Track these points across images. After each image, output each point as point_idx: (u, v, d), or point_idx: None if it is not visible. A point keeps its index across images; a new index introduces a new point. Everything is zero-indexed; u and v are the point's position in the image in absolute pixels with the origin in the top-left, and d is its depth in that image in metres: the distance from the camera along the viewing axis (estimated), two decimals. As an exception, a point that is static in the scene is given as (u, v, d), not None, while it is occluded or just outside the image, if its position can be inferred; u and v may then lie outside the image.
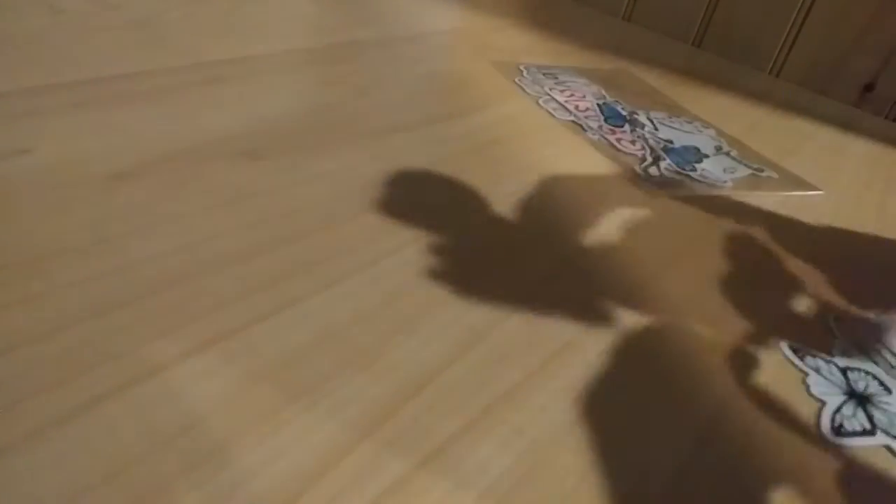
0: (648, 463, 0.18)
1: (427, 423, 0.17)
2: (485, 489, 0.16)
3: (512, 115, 0.37)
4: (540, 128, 0.36)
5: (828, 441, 0.20)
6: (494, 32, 0.50)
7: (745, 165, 0.37)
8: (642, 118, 0.40)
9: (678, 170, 0.35)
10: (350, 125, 0.31)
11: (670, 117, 0.41)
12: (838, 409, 0.21)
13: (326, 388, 0.17)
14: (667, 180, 0.33)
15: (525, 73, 0.43)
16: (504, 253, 0.24)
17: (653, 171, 0.34)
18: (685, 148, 0.37)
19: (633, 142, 0.37)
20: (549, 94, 0.40)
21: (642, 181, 0.33)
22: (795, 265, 0.28)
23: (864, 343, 0.24)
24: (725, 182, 0.35)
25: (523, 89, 0.41)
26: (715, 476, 0.18)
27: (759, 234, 0.31)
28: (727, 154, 0.38)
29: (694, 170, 0.35)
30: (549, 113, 0.38)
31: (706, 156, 0.37)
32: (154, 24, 0.36)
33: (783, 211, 0.30)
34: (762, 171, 0.37)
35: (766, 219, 0.32)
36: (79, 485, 0.14)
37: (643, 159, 0.35)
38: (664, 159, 0.36)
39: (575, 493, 0.16)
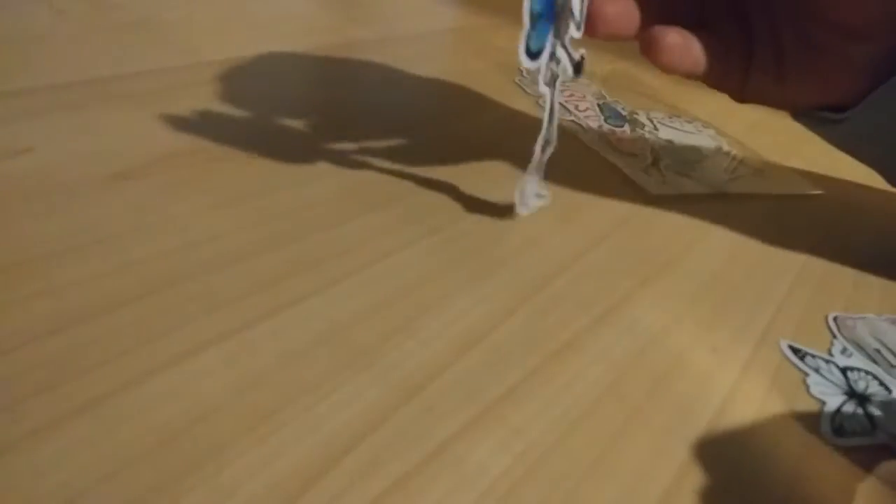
0: (648, 463, 0.18)
1: (427, 423, 0.17)
2: (485, 489, 0.16)
3: (512, 115, 0.37)
4: (540, 128, 0.36)
5: (828, 441, 0.20)
6: (495, 32, 0.50)
7: (745, 165, 0.37)
8: (642, 118, 0.40)
9: (678, 170, 0.35)
10: (350, 125, 0.31)
11: (670, 117, 0.41)
12: (838, 409, 0.21)
13: (326, 388, 0.17)
14: (667, 180, 0.33)
15: (525, 72, 0.43)
16: (503, 253, 0.24)
17: (652, 171, 0.34)
18: (685, 148, 0.38)
19: (633, 142, 0.37)
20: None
21: (642, 181, 0.33)
22: (795, 265, 0.28)
23: (864, 343, 0.24)
24: (725, 182, 0.35)
25: (523, 89, 0.41)
26: (715, 476, 0.18)
27: (758, 234, 0.31)
28: (727, 154, 0.38)
29: (694, 170, 0.35)
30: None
31: (706, 156, 0.37)
32: (154, 24, 0.36)
33: (783, 211, 0.30)
34: (762, 171, 0.37)
35: (766, 219, 0.32)
36: (79, 485, 0.14)
37: (643, 159, 0.35)
38: (664, 159, 0.36)
39: (575, 494, 0.16)
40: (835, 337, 0.25)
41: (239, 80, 0.32)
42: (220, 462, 0.15)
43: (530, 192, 0.25)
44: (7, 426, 0.14)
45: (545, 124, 0.24)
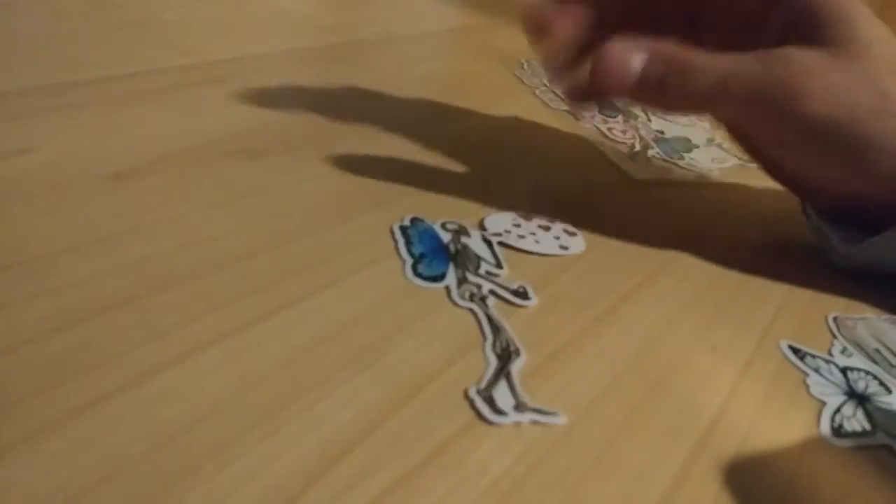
0: (648, 463, 0.18)
1: (427, 423, 0.17)
2: (485, 489, 0.16)
3: (513, 114, 0.37)
4: (537, 120, 0.36)
5: (827, 441, 0.20)
6: (495, 32, 0.50)
7: (735, 156, 0.37)
8: (637, 110, 0.40)
9: (665, 158, 0.35)
10: (350, 125, 0.31)
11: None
12: (838, 410, 0.21)
13: (326, 388, 0.17)
14: (653, 168, 0.34)
15: (525, 66, 0.44)
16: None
17: (640, 159, 0.34)
18: (675, 138, 0.38)
19: (623, 132, 0.37)
20: (545, 85, 0.41)
21: (626, 167, 0.33)
22: (795, 264, 0.28)
23: (864, 343, 0.24)
24: (712, 171, 0.35)
25: (522, 80, 0.41)
26: (715, 476, 0.18)
27: (758, 233, 0.31)
28: (718, 146, 0.39)
29: (682, 158, 0.36)
30: (545, 103, 0.39)
31: (696, 146, 0.38)
32: (154, 24, 0.36)
33: (783, 210, 0.30)
34: (752, 162, 0.37)
35: (766, 218, 0.32)
36: (79, 485, 0.14)
37: (632, 147, 0.35)
38: (652, 148, 0.36)
39: (575, 493, 0.16)
40: (835, 337, 0.25)
41: (239, 80, 0.32)
42: (220, 462, 0.15)
43: (505, 403, 0.18)
44: (7, 426, 0.14)
45: (488, 336, 0.20)
